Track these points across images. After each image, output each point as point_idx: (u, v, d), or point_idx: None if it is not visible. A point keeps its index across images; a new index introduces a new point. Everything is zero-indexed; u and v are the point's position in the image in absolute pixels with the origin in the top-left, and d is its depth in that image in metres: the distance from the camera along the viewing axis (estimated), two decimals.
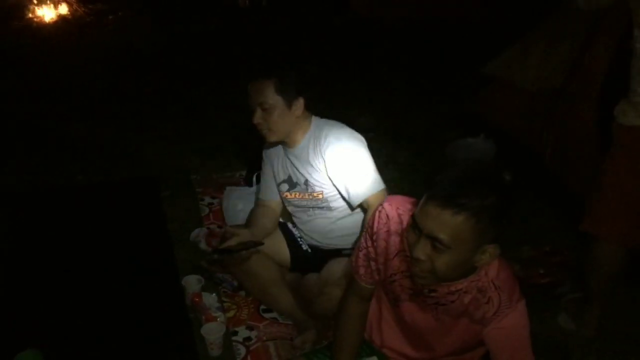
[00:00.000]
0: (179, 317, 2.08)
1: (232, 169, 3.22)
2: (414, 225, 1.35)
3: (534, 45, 2.94)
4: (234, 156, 3.34)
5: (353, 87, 4.45)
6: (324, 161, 2.06)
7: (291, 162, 2.17)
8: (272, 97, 2.00)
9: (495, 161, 2.88)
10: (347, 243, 2.19)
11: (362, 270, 1.62)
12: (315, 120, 2.13)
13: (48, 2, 5.87)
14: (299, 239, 2.29)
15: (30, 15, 5.77)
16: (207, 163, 3.28)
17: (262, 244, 2.11)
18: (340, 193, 2.11)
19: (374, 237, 1.55)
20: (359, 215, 2.15)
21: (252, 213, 2.34)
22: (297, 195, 2.18)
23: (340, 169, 2.04)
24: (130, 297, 2.14)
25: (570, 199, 2.73)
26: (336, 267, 2.08)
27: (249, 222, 2.28)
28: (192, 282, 2.22)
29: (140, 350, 1.91)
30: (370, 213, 2.02)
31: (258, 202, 2.36)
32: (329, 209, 2.16)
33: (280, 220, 2.38)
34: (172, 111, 3.93)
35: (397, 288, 1.57)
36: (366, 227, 1.60)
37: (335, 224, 2.19)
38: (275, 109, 2.01)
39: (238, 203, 2.62)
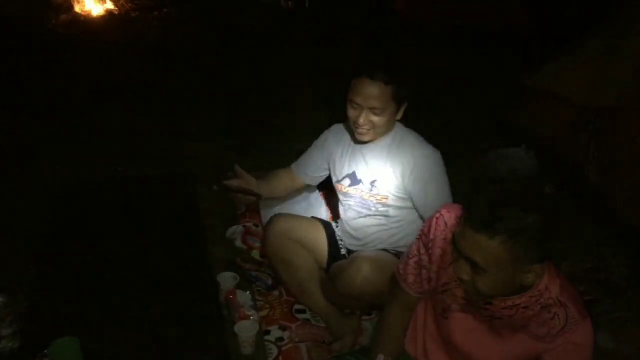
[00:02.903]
0: (212, 313, 2.07)
1: (269, 167, 3.21)
2: (455, 246, 1.33)
3: (587, 56, 2.85)
4: (271, 154, 3.34)
5: None
6: (403, 168, 2.04)
7: (363, 157, 2.14)
8: (387, 103, 1.98)
9: (536, 174, 2.82)
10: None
11: (411, 279, 1.59)
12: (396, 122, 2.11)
13: None
14: (339, 242, 2.29)
15: (78, 9, 5.90)
16: (243, 160, 3.28)
17: (259, 196, 2.29)
18: (413, 202, 2.07)
19: (429, 245, 1.52)
20: (407, 227, 2.14)
21: (274, 172, 2.43)
22: (357, 192, 2.16)
23: (423, 180, 2.02)
24: (164, 290, 2.14)
25: (613, 215, 2.66)
26: (365, 251, 2.10)
27: (266, 176, 2.38)
28: (227, 279, 2.23)
29: (172, 343, 1.91)
30: None
31: (287, 169, 2.41)
32: (386, 216, 2.12)
33: (327, 220, 2.42)
34: (211, 108, 3.97)
35: (449, 297, 1.52)
36: (420, 234, 1.57)
37: (377, 230, 2.16)
38: (385, 113, 1.99)
39: (275, 203, 2.62)
